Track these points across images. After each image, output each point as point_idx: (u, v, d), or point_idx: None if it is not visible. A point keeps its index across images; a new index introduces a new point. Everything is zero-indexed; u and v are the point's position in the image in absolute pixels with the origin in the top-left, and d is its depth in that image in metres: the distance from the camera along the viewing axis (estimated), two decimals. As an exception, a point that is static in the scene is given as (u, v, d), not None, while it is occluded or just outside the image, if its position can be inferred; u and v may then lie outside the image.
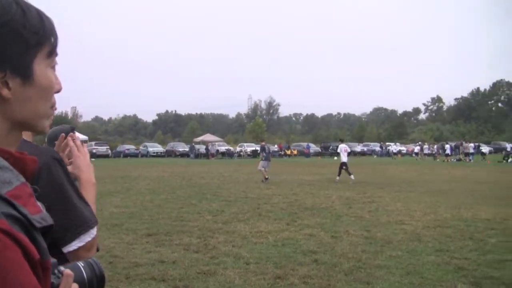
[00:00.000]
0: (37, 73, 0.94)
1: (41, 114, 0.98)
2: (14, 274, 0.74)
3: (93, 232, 1.71)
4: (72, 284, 0.95)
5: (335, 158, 54.80)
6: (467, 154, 49.17)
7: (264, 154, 22.95)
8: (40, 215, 0.87)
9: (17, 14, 0.91)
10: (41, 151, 1.70)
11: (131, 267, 7.06)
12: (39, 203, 0.91)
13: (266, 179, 21.76)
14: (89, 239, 1.69)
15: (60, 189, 1.66)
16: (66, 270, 0.94)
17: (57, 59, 0.98)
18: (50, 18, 0.99)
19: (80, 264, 1.07)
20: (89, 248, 1.69)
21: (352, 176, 21.82)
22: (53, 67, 1.01)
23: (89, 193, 1.92)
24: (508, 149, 51.53)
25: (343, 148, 23.38)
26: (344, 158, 22.89)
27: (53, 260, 0.88)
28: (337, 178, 22.26)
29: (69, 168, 2.00)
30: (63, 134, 2.07)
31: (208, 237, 9.21)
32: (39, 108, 0.97)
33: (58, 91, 1.02)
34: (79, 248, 1.64)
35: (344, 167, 22.57)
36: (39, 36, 0.94)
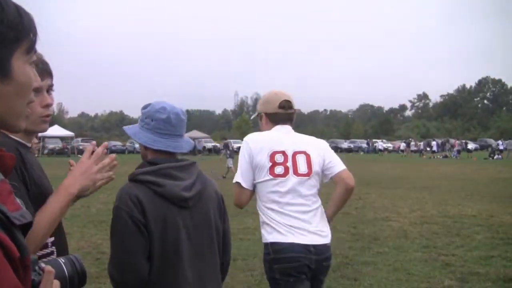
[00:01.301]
0: (15, 70, 0.91)
1: (18, 112, 0.94)
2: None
3: None
4: (53, 281, 0.93)
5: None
6: (459, 151, 49.68)
7: (228, 152, 22.92)
8: (19, 212, 0.85)
9: None
10: (5, 143, 1.57)
11: (117, 264, 7.03)
12: (18, 200, 0.90)
13: (224, 177, 21.70)
14: None
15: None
16: (47, 267, 0.92)
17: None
18: (30, 14, 0.95)
19: (61, 260, 1.05)
20: None
21: None
22: (31, 64, 0.97)
23: (56, 199, 1.73)
24: (500, 147, 51.38)
25: None
26: None
27: (33, 257, 0.87)
28: None
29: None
30: (90, 146, 1.90)
31: (195, 233, 9.20)
32: (16, 106, 0.93)
33: (36, 88, 0.98)
34: None
35: None
36: (17, 32, 0.90)
